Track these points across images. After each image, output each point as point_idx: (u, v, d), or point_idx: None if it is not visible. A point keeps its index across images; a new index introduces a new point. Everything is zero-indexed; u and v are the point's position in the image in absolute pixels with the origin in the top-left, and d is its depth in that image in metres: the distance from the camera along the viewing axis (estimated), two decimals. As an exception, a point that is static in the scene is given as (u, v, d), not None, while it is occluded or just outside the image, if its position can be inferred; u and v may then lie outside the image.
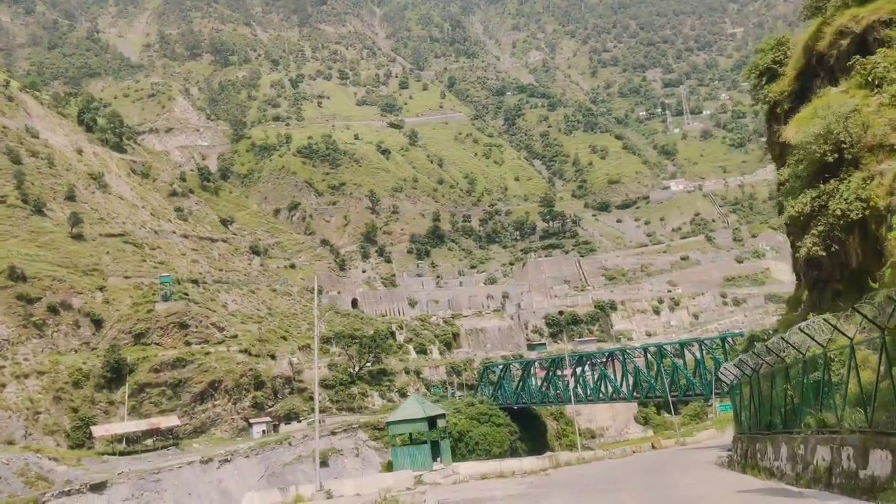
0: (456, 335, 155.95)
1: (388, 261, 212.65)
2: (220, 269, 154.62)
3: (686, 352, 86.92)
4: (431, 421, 52.16)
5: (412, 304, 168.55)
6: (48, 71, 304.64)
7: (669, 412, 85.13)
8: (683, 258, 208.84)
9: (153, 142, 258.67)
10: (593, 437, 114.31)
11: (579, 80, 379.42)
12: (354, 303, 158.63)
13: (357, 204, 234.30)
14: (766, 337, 34.09)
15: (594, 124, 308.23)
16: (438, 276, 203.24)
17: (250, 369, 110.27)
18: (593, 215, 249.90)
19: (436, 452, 50.04)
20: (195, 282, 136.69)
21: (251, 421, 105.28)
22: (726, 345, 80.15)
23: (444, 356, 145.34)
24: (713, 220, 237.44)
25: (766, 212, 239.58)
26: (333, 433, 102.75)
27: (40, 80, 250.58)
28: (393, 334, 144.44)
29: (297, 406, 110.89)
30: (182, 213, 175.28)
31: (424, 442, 50.85)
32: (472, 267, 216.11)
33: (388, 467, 77.17)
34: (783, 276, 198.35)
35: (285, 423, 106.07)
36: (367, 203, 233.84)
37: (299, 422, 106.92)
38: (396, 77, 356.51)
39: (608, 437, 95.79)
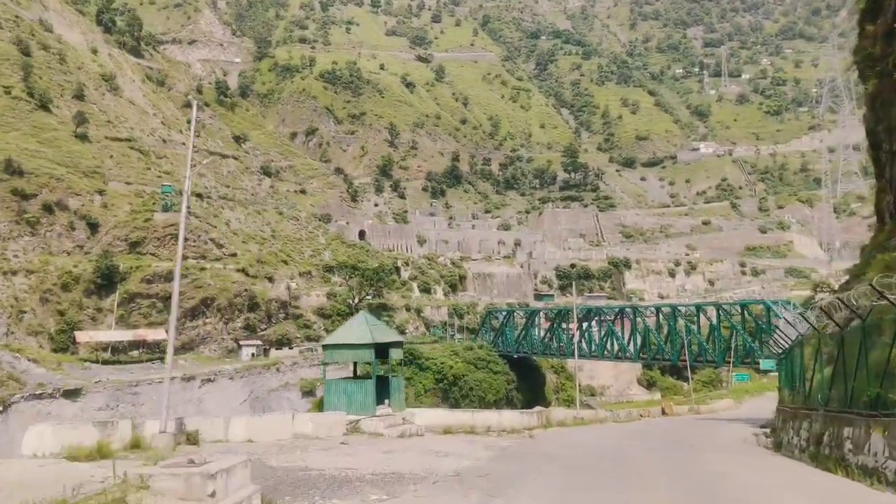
0: (462, 278, 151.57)
1: (402, 196, 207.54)
2: (227, 186, 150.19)
3: (701, 316, 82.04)
4: (381, 349, 40.60)
5: (421, 241, 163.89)
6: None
7: (678, 376, 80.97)
8: (705, 222, 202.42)
9: (175, 52, 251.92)
10: (593, 394, 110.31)
11: (617, 31, 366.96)
12: (362, 234, 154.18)
13: (376, 136, 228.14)
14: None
15: (628, 77, 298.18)
16: (451, 217, 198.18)
17: (245, 290, 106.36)
18: (617, 170, 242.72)
19: (384, 392, 38.79)
20: (199, 195, 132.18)
21: (241, 342, 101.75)
22: (746, 312, 75.19)
23: (448, 297, 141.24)
24: (740, 187, 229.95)
25: (796, 183, 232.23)
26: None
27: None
28: (398, 270, 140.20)
29: (291, 332, 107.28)
30: (196, 125, 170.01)
31: (368, 377, 40.01)
32: (487, 211, 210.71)
33: (319, 405, 69.73)
34: (806, 251, 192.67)
35: (276, 349, 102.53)
36: (386, 136, 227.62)
37: (291, 348, 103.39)
38: (429, 9, 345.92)
39: (609, 397, 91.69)
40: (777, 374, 27.14)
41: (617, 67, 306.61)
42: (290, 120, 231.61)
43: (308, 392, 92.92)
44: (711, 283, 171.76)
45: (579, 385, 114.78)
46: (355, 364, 47.49)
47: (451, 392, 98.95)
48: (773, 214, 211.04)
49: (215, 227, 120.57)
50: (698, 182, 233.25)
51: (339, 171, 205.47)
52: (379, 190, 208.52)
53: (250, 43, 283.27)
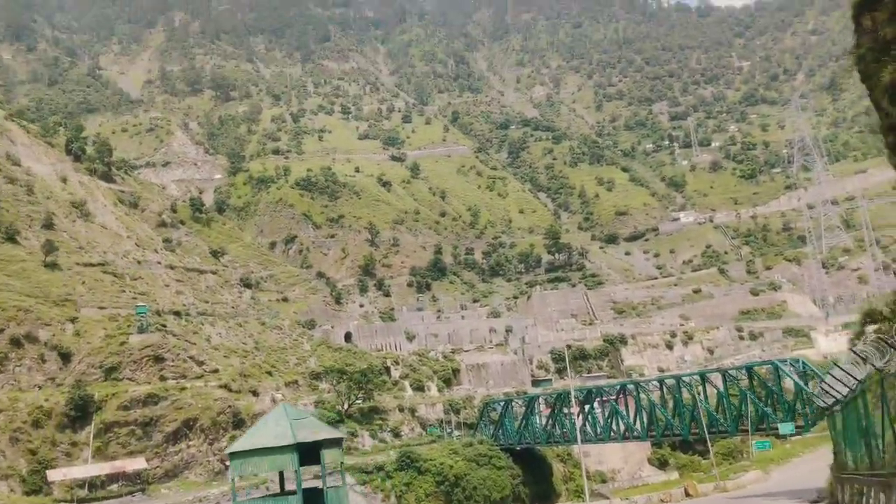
0: (456, 371, 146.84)
1: (387, 294, 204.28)
2: (206, 302, 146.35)
3: (707, 385, 77.94)
4: (308, 451, 32.15)
5: (410, 338, 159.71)
6: (47, 106, 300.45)
7: (693, 451, 76.13)
8: (696, 291, 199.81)
9: (150, 175, 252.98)
10: (604, 480, 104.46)
11: (584, 114, 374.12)
12: (348, 336, 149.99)
13: (356, 237, 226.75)
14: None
15: (600, 157, 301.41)
16: (439, 311, 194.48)
17: (229, 406, 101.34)
18: (601, 247, 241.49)
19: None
20: (177, 313, 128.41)
21: (227, 463, 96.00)
22: (753, 375, 71.25)
23: (443, 393, 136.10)
24: (725, 253, 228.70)
25: (781, 243, 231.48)
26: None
27: (37, 115, 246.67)
28: (388, 370, 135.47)
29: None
30: (170, 243, 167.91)
31: (293, 493, 30.65)
32: (475, 301, 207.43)
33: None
34: (800, 309, 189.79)
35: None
36: (366, 236, 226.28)
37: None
38: (399, 112, 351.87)
39: (621, 482, 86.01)
40: (831, 432, 22.66)
41: (588, 148, 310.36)
42: (269, 230, 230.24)
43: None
44: (710, 351, 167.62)
45: (587, 472, 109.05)
46: (281, 474, 38.38)
47: (453, 494, 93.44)
48: (762, 276, 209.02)
49: (194, 343, 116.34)
50: (683, 251, 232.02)
51: (320, 275, 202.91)
52: (363, 290, 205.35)
53: (224, 160, 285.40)
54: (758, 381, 71.18)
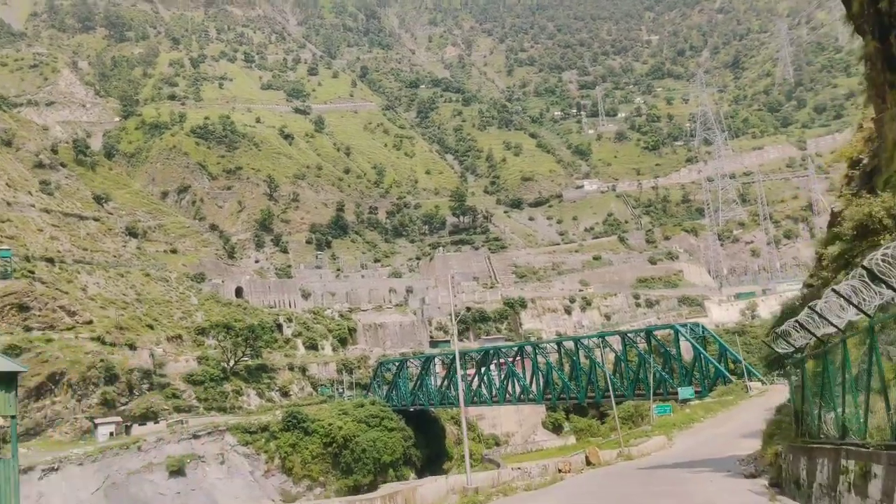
0: (352, 330, 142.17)
1: (285, 251, 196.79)
2: (85, 249, 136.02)
3: (605, 350, 76.12)
4: None
5: (306, 295, 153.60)
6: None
7: (592, 415, 74.47)
8: (596, 258, 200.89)
9: (31, 115, 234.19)
10: (497, 444, 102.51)
11: (495, 78, 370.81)
12: (239, 292, 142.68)
13: (254, 190, 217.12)
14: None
15: (509, 121, 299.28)
16: (339, 269, 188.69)
17: (101, 360, 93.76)
18: (505, 212, 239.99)
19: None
20: (50, 260, 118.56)
21: (97, 421, 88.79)
22: (652, 339, 69.58)
23: (338, 352, 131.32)
24: (626, 221, 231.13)
25: (680, 214, 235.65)
26: (195, 436, 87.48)
27: None
28: (280, 327, 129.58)
29: (157, 404, 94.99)
30: (48, 186, 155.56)
31: None
32: (377, 261, 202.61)
33: None
34: (696, 279, 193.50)
35: (139, 424, 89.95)
36: (264, 189, 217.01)
37: (157, 422, 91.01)
38: (305, 63, 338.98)
39: (515, 446, 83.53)
40: (791, 389, 19.13)
41: (497, 112, 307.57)
42: (161, 178, 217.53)
43: (176, 471, 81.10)
44: (607, 317, 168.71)
45: (480, 436, 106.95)
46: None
47: (341, 456, 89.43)
48: (660, 246, 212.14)
49: (66, 293, 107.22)
50: (585, 219, 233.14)
51: (213, 227, 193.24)
52: (259, 245, 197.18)
53: (115, 103, 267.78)
54: (657, 344, 69.63)
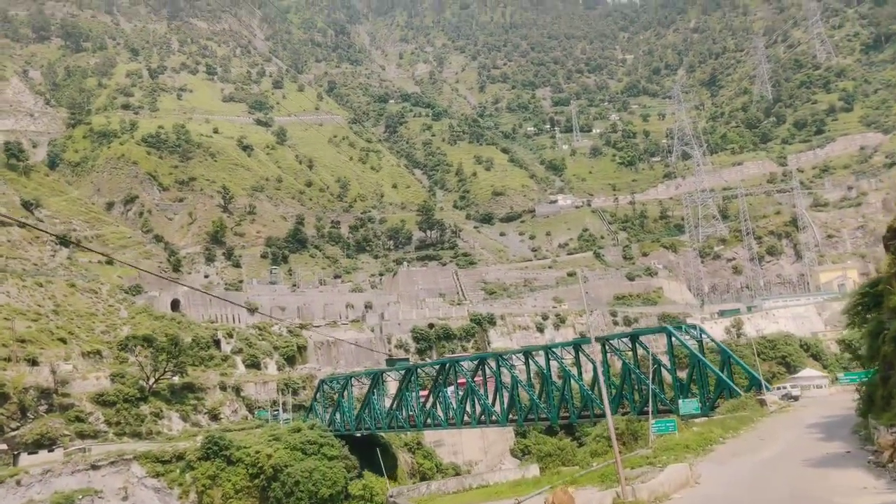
0: (302, 348, 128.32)
1: (237, 265, 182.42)
2: (0, 256, 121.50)
3: (581, 361, 63.41)
4: None
5: (252, 309, 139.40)
6: None
7: (571, 435, 61.70)
8: (570, 274, 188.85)
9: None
10: (458, 474, 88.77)
11: (467, 95, 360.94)
12: (175, 304, 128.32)
13: (207, 202, 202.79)
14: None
15: (480, 136, 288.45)
16: (295, 285, 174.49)
17: (-11, 378, 79.23)
18: (475, 227, 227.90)
19: None
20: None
21: (-22, 448, 74.25)
22: (637, 344, 56.96)
23: (284, 371, 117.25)
24: (602, 237, 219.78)
25: (658, 230, 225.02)
26: (94, 467, 73.04)
27: None
28: (217, 343, 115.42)
29: (56, 429, 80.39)
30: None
31: None
32: (337, 276, 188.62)
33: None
34: (676, 296, 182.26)
35: (29, 453, 75.29)
36: (218, 201, 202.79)
37: (52, 450, 76.40)
38: (270, 76, 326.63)
39: (476, 477, 69.27)
40: None
41: (468, 127, 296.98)
42: (107, 189, 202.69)
43: (63, 510, 66.55)
44: (582, 335, 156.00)
45: (439, 465, 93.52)
46: None
47: (270, 490, 75.28)
48: (638, 262, 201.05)
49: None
50: (559, 234, 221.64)
51: (158, 239, 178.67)
52: (210, 259, 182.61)
53: (66, 112, 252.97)
54: (644, 352, 57.10)
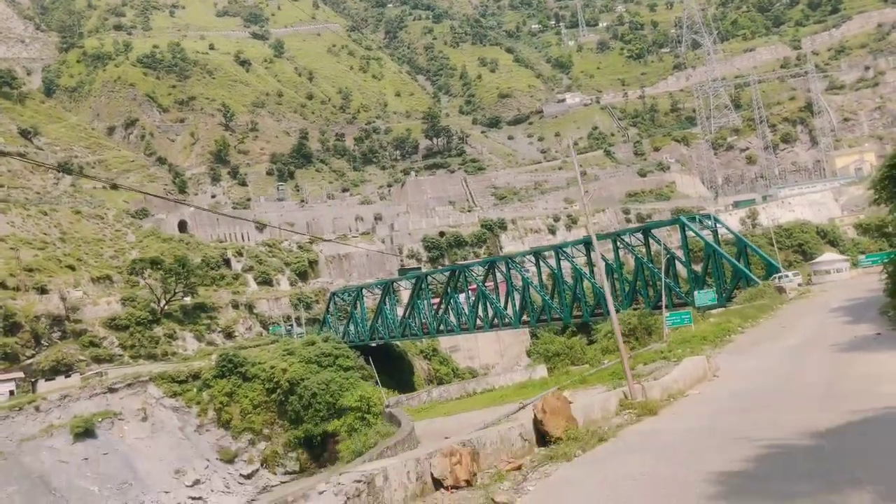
0: (314, 263, 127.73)
1: (243, 184, 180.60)
2: (1, 186, 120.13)
3: (592, 258, 61.86)
4: None
5: (261, 227, 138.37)
6: None
7: (583, 334, 60.75)
8: (581, 174, 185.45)
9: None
10: (474, 377, 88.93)
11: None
12: (183, 226, 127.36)
13: (209, 120, 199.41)
14: None
15: (483, 37, 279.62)
16: (303, 201, 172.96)
17: (-1, 307, 79.01)
18: (482, 132, 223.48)
19: None
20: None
21: (-8, 377, 74.67)
22: (650, 239, 55.15)
23: (296, 287, 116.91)
24: (612, 134, 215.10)
25: (669, 124, 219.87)
26: (111, 390, 73.34)
27: None
28: (227, 262, 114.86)
29: (71, 355, 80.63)
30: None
31: None
32: (345, 190, 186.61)
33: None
34: (689, 190, 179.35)
35: (46, 380, 75.71)
36: (220, 119, 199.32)
37: (68, 376, 76.71)
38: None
39: (481, 381, 68.78)
40: None
41: (471, 28, 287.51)
42: (106, 113, 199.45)
43: (83, 433, 67.12)
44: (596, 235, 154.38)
45: (456, 370, 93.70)
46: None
47: (288, 404, 75.52)
48: (649, 157, 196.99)
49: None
50: (568, 134, 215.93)
51: (162, 161, 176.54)
52: (215, 179, 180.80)
53: (57, 37, 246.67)
54: (658, 245, 55.34)
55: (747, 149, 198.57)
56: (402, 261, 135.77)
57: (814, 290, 44.93)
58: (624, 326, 35.55)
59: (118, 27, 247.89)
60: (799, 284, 48.32)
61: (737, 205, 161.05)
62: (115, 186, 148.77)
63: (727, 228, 55.37)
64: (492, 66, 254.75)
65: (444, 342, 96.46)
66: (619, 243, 57.50)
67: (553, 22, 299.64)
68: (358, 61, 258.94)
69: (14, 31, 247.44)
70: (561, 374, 35.94)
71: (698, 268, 56.26)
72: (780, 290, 42.41)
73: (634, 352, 28.71)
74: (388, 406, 46.79)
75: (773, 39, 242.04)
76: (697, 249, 79.36)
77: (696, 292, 46.27)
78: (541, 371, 45.13)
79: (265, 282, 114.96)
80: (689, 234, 54.30)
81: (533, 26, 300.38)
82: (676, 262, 55.30)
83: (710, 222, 54.65)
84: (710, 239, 51.64)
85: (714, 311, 39.38)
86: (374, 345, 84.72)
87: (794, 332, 26.10)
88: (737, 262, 48.51)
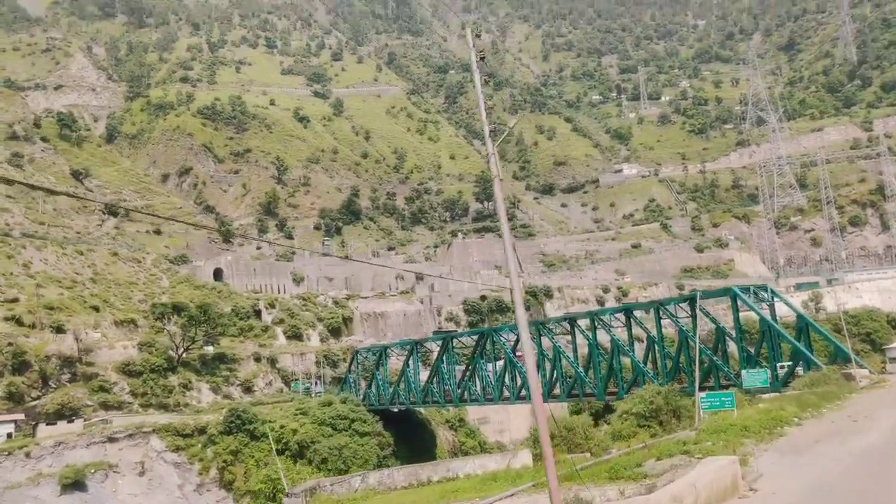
0: (348, 320, 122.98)
1: (290, 236, 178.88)
2: (42, 224, 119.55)
3: (633, 329, 55.63)
4: None
5: (298, 279, 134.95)
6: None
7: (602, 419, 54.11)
8: (635, 246, 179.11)
9: (39, 100, 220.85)
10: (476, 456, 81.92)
11: (530, 64, 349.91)
12: (218, 274, 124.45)
13: (262, 173, 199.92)
14: None
15: (542, 105, 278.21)
16: (347, 257, 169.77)
17: (9, 344, 75.96)
18: (535, 198, 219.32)
19: None
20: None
21: (-5, 418, 70.99)
22: (699, 309, 48.80)
23: (326, 343, 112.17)
24: (669, 208, 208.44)
25: (730, 200, 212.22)
26: (112, 439, 68.93)
27: None
28: (258, 313, 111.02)
29: (78, 399, 76.68)
30: (20, 158, 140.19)
31: None
32: (391, 248, 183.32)
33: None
34: (749, 269, 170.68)
35: (47, 424, 71.68)
36: (273, 172, 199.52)
37: (71, 421, 72.61)
38: (330, 49, 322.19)
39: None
40: None
41: (530, 96, 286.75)
42: (163, 160, 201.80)
43: (72, 484, 62.48)
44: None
45: (483, 444, 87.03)
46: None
47: (295, 466, 69.79)
48: (708, 233, 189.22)
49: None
50: (624, 205, 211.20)
51: (209, 209, 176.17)
52: (263, 231, 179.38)
53: (126, 87, 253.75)
54: (706, 317, 49.04)
55: (812, 230, 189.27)
56: (439, 323, 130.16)
57: (890, 380, 38.05)
58: (645, 406, 29.34)
59: (184, 79, 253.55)
60: (870, 373, 41.51)
61: (799, 287, 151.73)
62: (158, 231, 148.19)
63: (787, 303, 48.85)
64: (549, 134, 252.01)
65: (473, 412, 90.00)
66: (661, 313, 51.32)
67: (614, 94, 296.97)
68: (415, 123, 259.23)
69: (87, 79, 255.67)
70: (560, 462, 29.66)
71: (752, 348, 49.75)
72: (849, 376, 35.87)
73: (653, 440, 22.68)
74: (290, 495, 39.96)
75: (843, 120, 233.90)
76: (753, 331, 72.35)
77: (743, 371, 39.87)
78: (523, 457, 38.70)
79: (295, 336, 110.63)
80: (743, 307, 47.98)
81: (593, 97, 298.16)
82: (727, 338, 48.84)
83: (766, 295, 48.24)
84: (765, 314, 45.21)
85: (765, 396, 33.08)
86: (395, 410, 78.95)
87: (872, 429, 19.87)
88: (796, 342, 42.02)
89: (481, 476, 33.11)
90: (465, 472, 37.46)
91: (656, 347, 50.70)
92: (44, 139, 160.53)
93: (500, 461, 40.58)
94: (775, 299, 47.99)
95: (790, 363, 42.22)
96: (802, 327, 44.68)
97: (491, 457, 45.78)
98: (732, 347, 51.30)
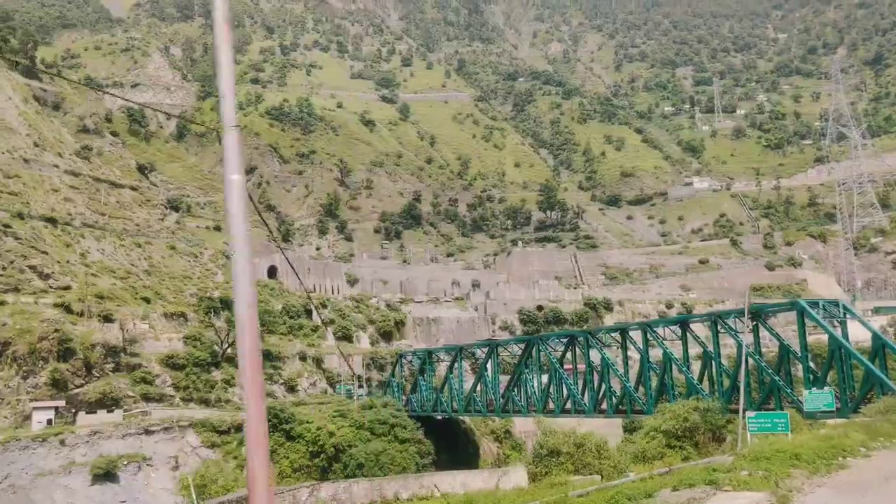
0: (400, 323, 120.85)
1: (350, 239, 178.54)
2: (103, 215, 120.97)
3: (689, 341, 51.60)
4: None
5: (352, 281, 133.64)
6: (19, 17, 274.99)
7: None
8: (702, 261, 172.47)
9: (115, 97, 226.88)
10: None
11: (602, 74, 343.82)
12: (273, 272, 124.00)
13: (326, 175, 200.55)
14: None
15: (612, 115, 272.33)
16: (405, 261, 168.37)
17: (56, 331, 75.94)
18: (600, 209, 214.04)
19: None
20: (51, 220, 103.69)
21: (33, 405, 70.75)
22: (761, 324, 44.60)
23: (377, 347, 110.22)
24: (741, 224, 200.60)
25: (805, 218, 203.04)
26: (148, 431, 67.98)
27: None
28: (309, 313, 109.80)
29: (120, 389, 76.15)
30: (89, 151, 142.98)
31: None
32: (450, 255, 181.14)
33: None
34: (823, 291, 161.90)
35: (87, 412, 71.20)
36: (336, 174, 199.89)
37: (111, 411, 72.01)
38: (400, 55, 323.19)
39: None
40: None
41: (600, 105, 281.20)
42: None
43: (103, 475, 61.57)
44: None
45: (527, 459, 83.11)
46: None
47: (331, 470, 67.66)
48: (780, 251, 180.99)
49: (45, 253, 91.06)
50: (693, 219, 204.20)
51: (271, 208, 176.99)
52: (323, 232, 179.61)
53: (199, 87, 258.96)
54: (768, 332, 44.80)
55: (894, 252, 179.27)
56: (493, 332, 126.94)
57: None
58: (677, 423, 25.63)
59: (255, 81, 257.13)
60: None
61: (877, 310, 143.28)
62: (218, 227, 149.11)
63: (861, 321, 44.30)
64: (617, 145, 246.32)
65: (520, 424, 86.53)
66: (720, 327, 47.27)
67: (687, 106, 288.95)
68: (481, 130, 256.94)
69: (162, 79, 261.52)
70: (546, 486, 26.07)
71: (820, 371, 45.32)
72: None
73: (680, 465, 19.15)
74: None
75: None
76: (823, 354, 67.35)
77: (805, 391, 35.75)
78: (516, 476, 35.02)
79: (345, 337, 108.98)
80: (814, 331, 43.69)
81: (666, 109, 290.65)
82: (792, 357, 44.54)
83: (837, 311, 43.79)
84: (836, 332, 40.90)
85: (829, 422, 29.12)
86: (439, 418, 76.17)
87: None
88: (870, 364, 37.67)
89: (465, 495, 29.68)
90: (444, 489, 33.95)
91: (713, 363, 46.68)
92: (113, 133, 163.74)
93: (489, 479, 37.15)
94: (848, 317, 43.44)
95: (862, 387, 37.88)
96: (878, 348, 40.18)
97: (479, 473, 42.26)
98: (799, 370, 47.01)
